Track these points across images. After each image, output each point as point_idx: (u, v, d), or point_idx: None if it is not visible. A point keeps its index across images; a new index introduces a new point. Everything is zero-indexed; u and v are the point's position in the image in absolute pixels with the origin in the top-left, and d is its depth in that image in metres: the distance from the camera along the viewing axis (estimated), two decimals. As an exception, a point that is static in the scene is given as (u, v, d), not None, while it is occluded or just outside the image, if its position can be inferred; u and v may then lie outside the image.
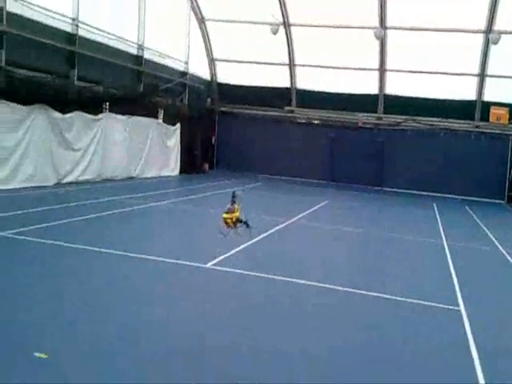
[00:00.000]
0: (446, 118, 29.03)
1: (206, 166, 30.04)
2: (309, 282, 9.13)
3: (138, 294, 7.95)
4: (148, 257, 9.78)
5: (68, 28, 19.96)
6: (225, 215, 11.39)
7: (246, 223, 11.07)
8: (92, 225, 12.52)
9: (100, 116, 20.82)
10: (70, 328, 6.33)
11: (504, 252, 13.59)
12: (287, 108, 31.59)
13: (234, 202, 12.34)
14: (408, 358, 6.47)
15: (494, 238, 15.67)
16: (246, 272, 9.43)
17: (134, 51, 24.41)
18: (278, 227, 14.14)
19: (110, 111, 21.43)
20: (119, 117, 21.96)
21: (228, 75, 31.85)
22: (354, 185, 29.01)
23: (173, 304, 7.63)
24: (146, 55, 25.03)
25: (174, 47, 27.47)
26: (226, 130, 31.80)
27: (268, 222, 14.51)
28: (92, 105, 20.44)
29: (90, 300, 7.40)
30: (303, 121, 31.75)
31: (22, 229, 10.93)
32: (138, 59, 24.62)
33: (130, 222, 13.52)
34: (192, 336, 6.45)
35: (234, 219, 11.37)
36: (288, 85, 31.40)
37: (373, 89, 30.25)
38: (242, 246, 11.28)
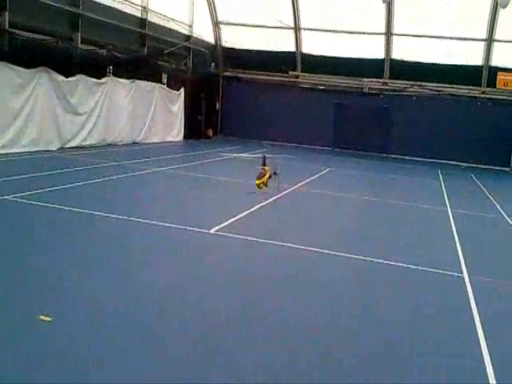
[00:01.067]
0: (452, 83, 28.67)
1: (211, 132, 29.85)
2: (310, 248, 9.17)
3: (141, 258, 7.99)
4: (151, 222, 9.79)
5: (71, -11, 19.71)
6: (257, 181, 11.90)
7: (274, 173, 12.31)
8: (97, 189, 12.53)
9: (103, 80, 20.60)
10: (78, 291, 6.41)
11: (509, 220, 13.60)
12: (292, 73, 31.23)
13: (264, 164, 12.70)
14: (410, 322, 6.55)
15: (498, 206, 15.67)
16: (248, 238, 9.44)
17: (138, 14, 24.03)
18: (280, 194, 14.11)
19: (113, 75, 21.20)
20: (123, 81, 21.73)
21: (232, 39, 31.34)
22: (359, 151, 28.90)
23: (174, 267, 7.72)
24: (150, 18, 24.65)
25: (178, 10, 27.00)
26: (231, 95, 31.48)
27: (271, 189, 14.51)
28: (96, 68, 20.22)
29: (95, 263, 7.48)
30: (308, 86, 31.40)
31: (25, 193, 10.94)
32: (142, 22, 24.24)
33: (134, 188, 13.54)
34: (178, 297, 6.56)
35: (265, 181, 11.98)
36: (293, 49, 31.00)
37: (379, 53, 29.85)
38: (245, 213, 11.32)
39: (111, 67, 21.16)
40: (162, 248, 8.63)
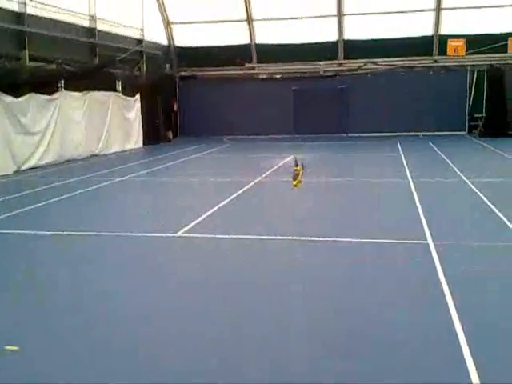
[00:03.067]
0: (404, 56, 29.09)
1: (170, 134, 29.52)
2: (279, 237, 9.24)
3: (109, 272, 7.87)
4: (116, 233, 9.70)
5: (15, 7, 19.39)
6: (294, 182, 11.97)
7: (302, 166, 12.36)
8: (58, 208, 12.30)
9: (55, 95, 20.25)
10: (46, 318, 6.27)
11: (468, 182, 13.82)
12: (248, 65, 31.21)
13: (296, 165, 12.81)
14: (380, 291, 6.67)
15: (457, 170, 15.93)
16: (217, 236, 9.40)
17: (86, 23, 23.76)
18: (246, 187, 14.13)
19: (65, 89, 20.89)
20: (75, 94, 21.38)
21: (185, 38, 31.20)
22: (320, 135, 28.97)
23: (143, 276, 7.59)
24: (99, 26, 24.36)
25: (127, 15, 26.71)
26: (188, 95, 31.26)
27: (236, 183, 14.53)
28: (46, 85, 19.89)
29: (61, 289, 7.20)
30: (265, 76, 31.45)
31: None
32: (91, 31, 23.96)
33: (95, 201, 13.34)
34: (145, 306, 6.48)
35: (300, 180, 12.02)
36: (247, 41, 30.98)
37: (332, 36, 30.08)
38: (212, 210, 11.28)
39: (62, 81, 20.85)
40: (126, 261, 8.39)
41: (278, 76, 31.08)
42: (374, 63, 29.54)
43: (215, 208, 11.51)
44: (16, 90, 18.15)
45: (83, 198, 13.41)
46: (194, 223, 10.18)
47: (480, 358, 4.80)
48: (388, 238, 8.93)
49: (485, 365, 4.70)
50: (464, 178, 14.41)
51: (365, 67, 29.78)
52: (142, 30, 28.07)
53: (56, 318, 6.08)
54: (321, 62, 30.13)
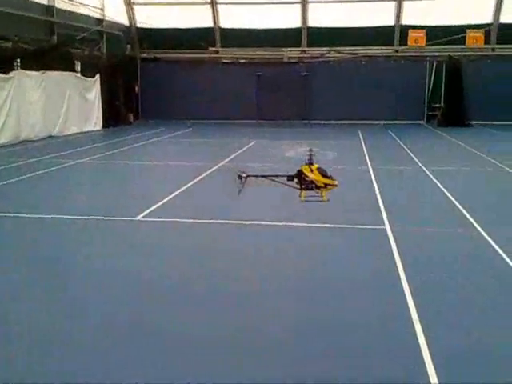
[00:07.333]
0: (367, 45, 29.35)
1: (131, 117, 29.05)
2: (232, 221, 9.30)
3: (64, 254, 7.77)
4: (73, 216, 9.49)
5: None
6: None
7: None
8: (13, 189, 11.98)
9: (11, 74, 19.61)
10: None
11: (425, 170, 14.12)
12: (212, 49, 30.94)
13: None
14: (339, 275, 6.81)
15: (416, 159, 16.24)
16: (176, 220, 9.38)
17: (44, 1, 23.15)
18: (208, 171, 14.05)
19: (22, 68, 20.30)
20: (33, 73, 20.75)
21: (148, 19, 30.62)
22: (282, 121, 29.00)
23: (102, 258, 7.55)
24: (58, 4, 23.75)
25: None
26: (150, 77, 30.75)
27: (198, 168, 14.42)
28: (1, 63, 19.29)
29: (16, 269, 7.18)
30: (229, 60, 31.27)
31: None
32: (50, 9, 23.37)
33: (52, 183, 13.02)
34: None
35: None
36: (211, 24, 30.68)
37: (296, 22, 30.10)
38: (173, 195, 11.19)
39: (19, 60, 20.26)
40: (88, 243, 8.28)
41: (242, 61, 30.92)
42: (337, 51, 29.72)
43: (176, 192, 11.40)
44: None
45: (39, 180, 13.08)
46: (153, 207, 10.08)
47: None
48: (346, 223, 9.06)
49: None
50: (422, 167, 14.68)
51: (328, 55, 29.94)
52: (102, 9, 27.50)
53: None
54: (285, 49, 30.14)
